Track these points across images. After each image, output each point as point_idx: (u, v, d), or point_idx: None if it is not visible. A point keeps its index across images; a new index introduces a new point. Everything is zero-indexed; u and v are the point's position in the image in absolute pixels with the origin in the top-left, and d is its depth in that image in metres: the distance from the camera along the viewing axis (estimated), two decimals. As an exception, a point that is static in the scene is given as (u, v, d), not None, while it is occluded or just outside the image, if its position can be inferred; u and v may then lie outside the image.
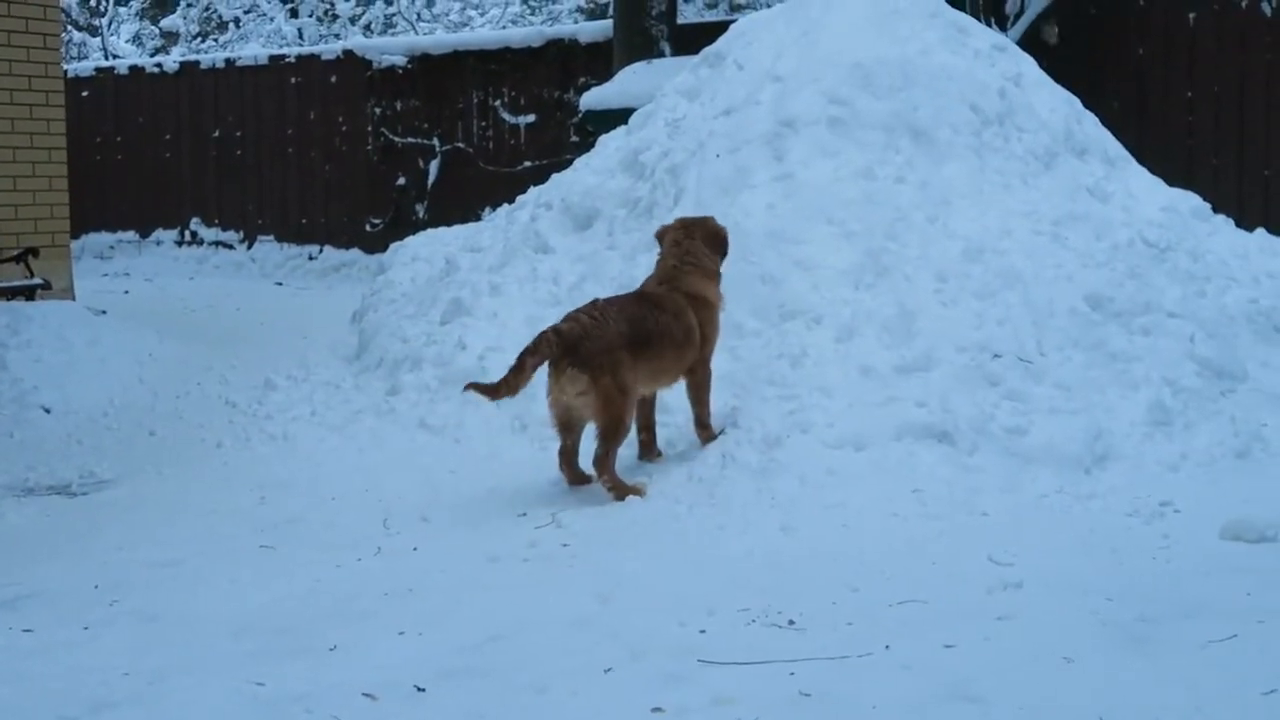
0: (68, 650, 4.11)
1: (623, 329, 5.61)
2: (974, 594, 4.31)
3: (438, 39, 16.33)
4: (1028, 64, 8.03)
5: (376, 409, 7.04)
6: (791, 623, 4.10)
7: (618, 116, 9.28)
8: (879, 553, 4.78)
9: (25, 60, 9.85)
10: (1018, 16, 11.59)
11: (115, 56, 24.47)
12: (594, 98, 11.48)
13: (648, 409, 6.00)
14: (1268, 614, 4.06)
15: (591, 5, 23.18)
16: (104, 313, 9.56)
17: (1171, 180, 8.03)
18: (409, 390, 7.08)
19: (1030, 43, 10.80)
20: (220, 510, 5.78)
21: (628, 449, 5.83)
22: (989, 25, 9.88)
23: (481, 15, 26.00)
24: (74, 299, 9.98)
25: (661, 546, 4.95)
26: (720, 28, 9.30)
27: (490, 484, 5.92)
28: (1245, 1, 11.09)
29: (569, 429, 5.70)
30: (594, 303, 5.84)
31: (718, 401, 6.03)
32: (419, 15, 25.44)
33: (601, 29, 14.00)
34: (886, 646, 3.86)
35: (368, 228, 15.40)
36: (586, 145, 9.38)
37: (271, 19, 25.16)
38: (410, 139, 15.22)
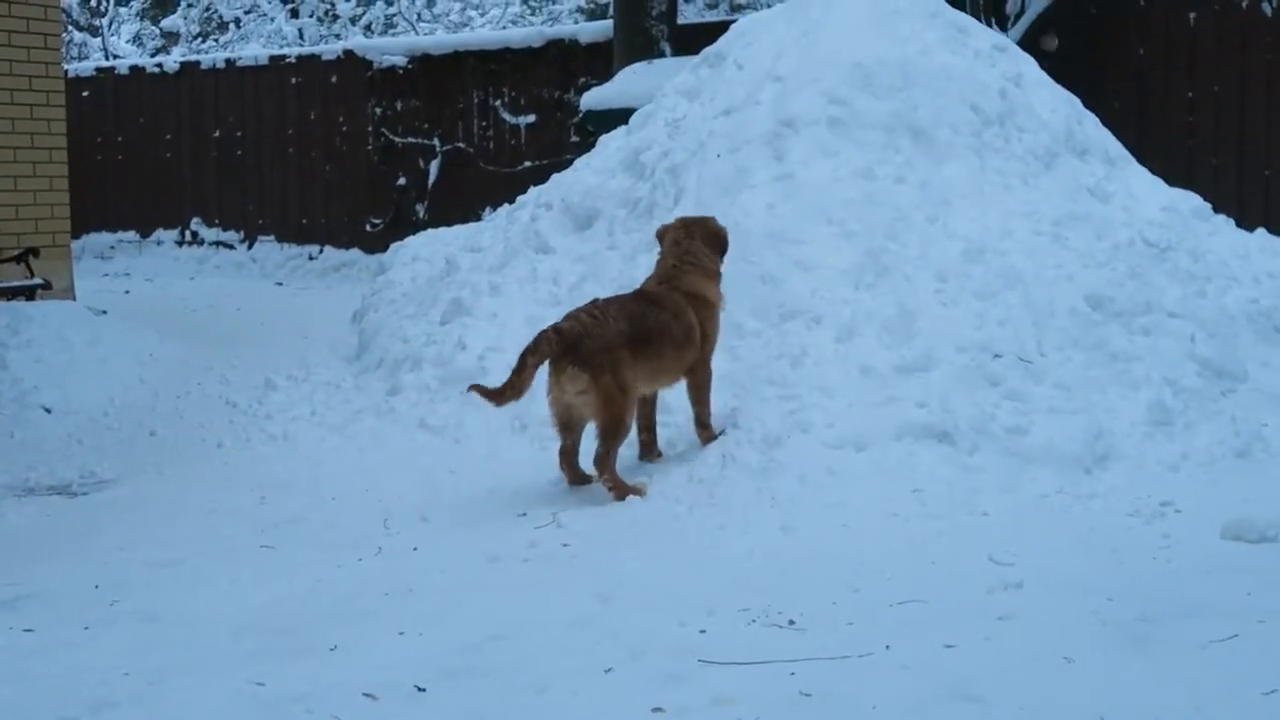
0: (68, 650, 4.11)
1: (623, 328, 5.61)
2: (974, 594, 4.31)
3: (438, 39, 16.35)
4: (1028, 64, 8.03)
5: (377, 409, 7.04)
6: (792, 623, 4.10)
7: (618, 116, 9.28)
8: (879, 553, 4.78)
9: (26, 60, 9.85)
10: (1018, 17, 11.59)
11: (116, 56, 24.48)
12: (594, 98, 11.49)
13: (648, 409, 6.00)
14: (1268, 614, 4.06)
15: (592, 5, 23.19)
16: (104, 313, 9.56)
17: (1172, 180, 8.04)
18: (409, 390, 7.08)
19: (1030, 44, 10.80)
20: (221, 510, 5.78)
21: (628, 449, 5.83)
22: (989, 25, 9.87)
23: (482, 15, 26.00)
24: (74, 299, 9.98)
25: (662, 546, 4.95)
26: (720, 28, 9.31)
27: (490, 484, 5.92)
28: (1246, 2, 11.09)
29: (569, 428, 5.70)
30: (594, 302, 5.84)
31: (718, 401, 6.03)
32: (419, 15, 25.45)
33: (602, 29, 14.00)
34: (887, 646, 3.86)
35: (368, 228, 15.41)
36: (587, 145, 9.38)
37: (272, 19, 25.16)
38: (411, 139, 15.22)
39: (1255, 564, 4.59)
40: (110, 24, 26.56)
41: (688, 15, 16.20)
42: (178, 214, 16.85)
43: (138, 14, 27.50)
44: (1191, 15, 11.32)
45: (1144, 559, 4.66)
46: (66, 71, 13.97)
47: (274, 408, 7.32)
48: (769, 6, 9.80)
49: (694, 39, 10.76)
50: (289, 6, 24.98)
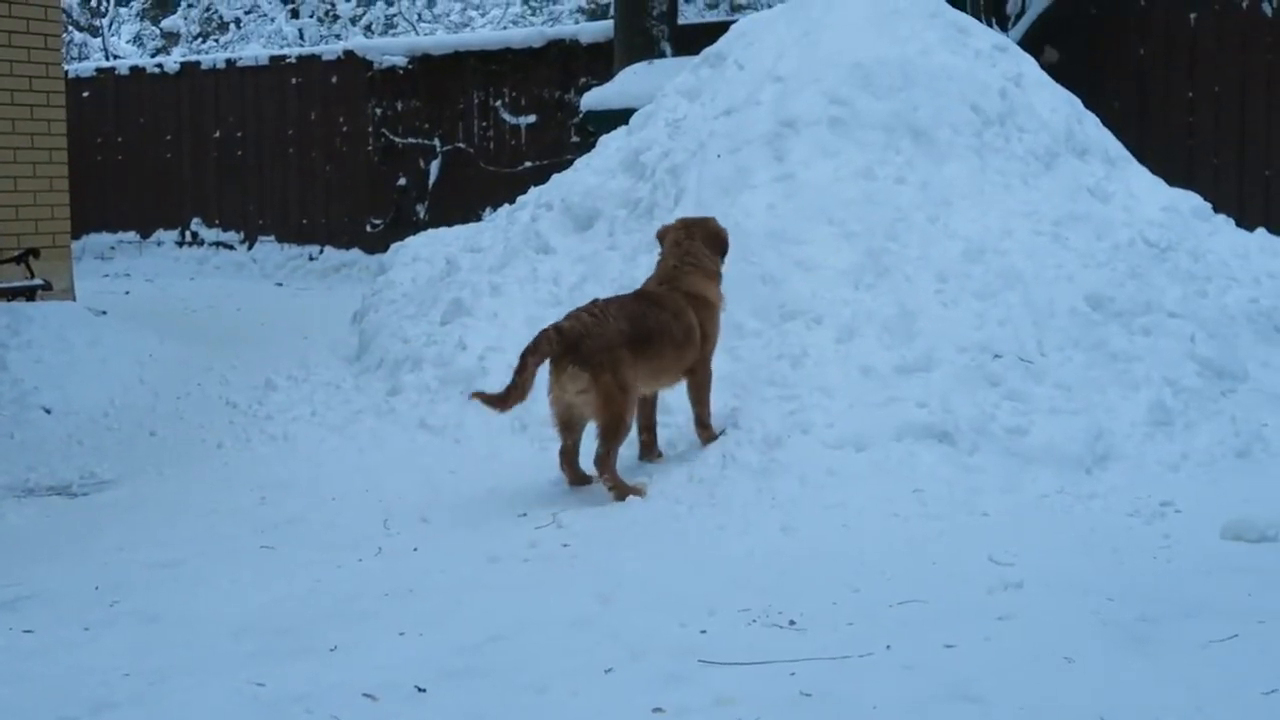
0: (68, 651, 4.11)
1: (623, 327, 5.61)
2: (974, 594, 4.31)
3: (438, 39, 16.35)
4: (1028, 64, 8.03)
5: (377, 409, 7.04)
6: (792, 623, 4.10)
7: (618, 117, 9.28)
8: (879, 553, 4.77)
9: (26, 61, 9.85)
10: (1018, 17, 11.59)
11: (116, 57, 24.49)
12: (595, 98, 11.49)
13: (649, 409, 6.00)
14: (1268, 614, 4.06)
15: (592, 5, 23.19)
16: (105, 313, 9.56)
17: (1172, 180, 8.04)
18: (409, 390, 7.08)
19: (1030, 43, 10.80)
20: (221, 510, 5.78)
21: (628, 449, 5.83)
22: (989, 25, 9.87)
23: (482, 16, 26.01)
24: (75, 300, 9.98)
25: (662, 547, 4.95)
26: (721, 28, 9.31)
27: (490, 484, 5.92)
28: (1246, 2, 11.09)
29: (570, 428, 5.70)
30: (594, 302, 5.84)
31: (718, 402, 6.03)
32: (420, 16, 25.46)
33: (602, 29, 14.01)
34: (887, 646, 3.86)
35: (368, 228, 15.41)
36: (587, 145, 9.38)
37: (272, 19, 25.17)
38: (411, 139, 15.23)
39: (1255, 564, 4.59)
40: (110, 24, 26.57)
41: (688, 15, 16.21)
42: (178, 214, 16.86)
43: (138, 14, 27.51)
44: (1191, 15, 11.33)
45: (1144, 559, 4.66)
46: (67, 72, 13.98)
47: (274, 408, 7.32)
48: (769, 6, 9.80)
49: (694, 39, 10.76)
50: (289, 7, 24.99)
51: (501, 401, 5.54)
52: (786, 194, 7.02)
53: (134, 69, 17.44)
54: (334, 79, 15.70)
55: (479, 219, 11.03)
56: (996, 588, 4.34)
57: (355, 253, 15.40)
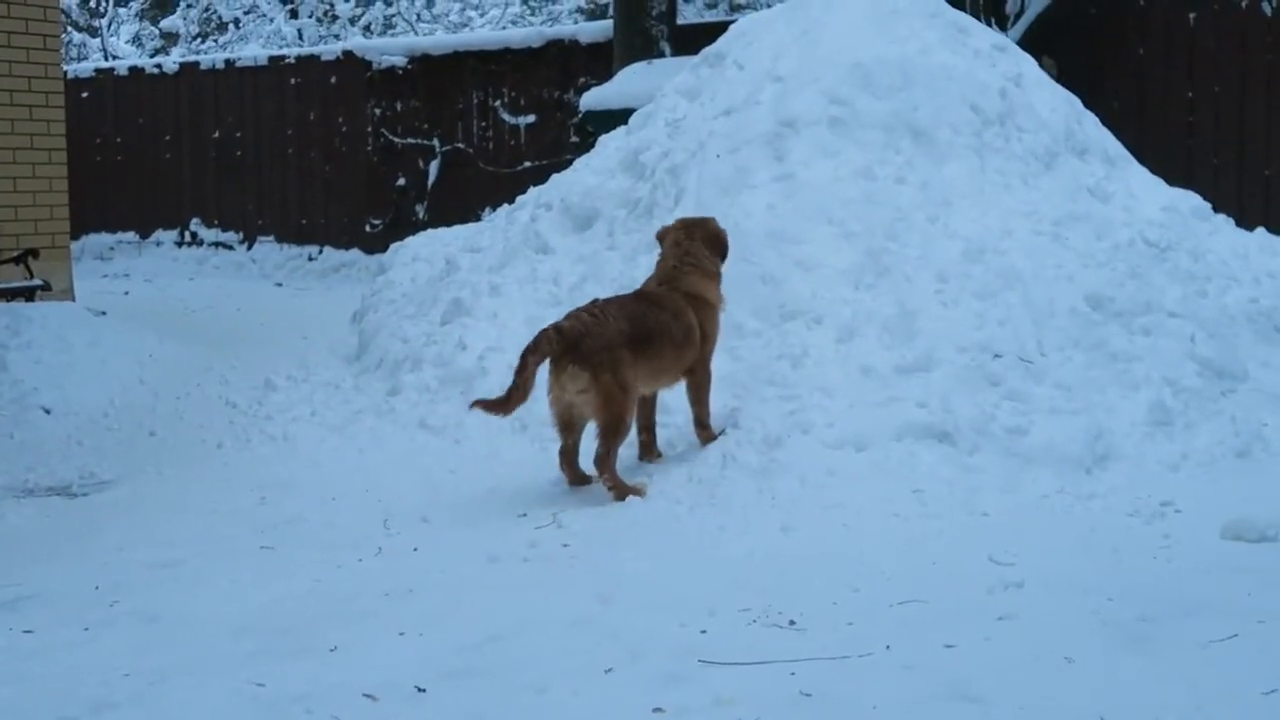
0: (68, 651, 4.11)
1: (623, 327, 5.61)
2: (974, 594, 4.31)
3: (438, 40, 16.34)
4: (1028, 64, 8.03)
5: (377, 409, 7.04)
6: (792, 623, 4.10)
7: (618, 117, 9.28)
8: (879, 553, 4.77)
9: (25, 61, 9.85)
10: (1018, 17, 11.59)
11: (115, 57, 24.47)
12: (594, 98, 11.48)
13: (648, 409, 6.00)
14: (1268, 614, 4.06)
15: (591, 5, 23.19)
16: (104, 314, 9.55)
17: (1172, 180, 8.04)
18: (409, 390, 7.08)
19: (1030, 43, 10.79)
20: (220, 511, 5.78)
21: (628, 449, 5.83)
22: (989, 25, 9.87)
23: (481, 16, 26.00)
24: (74, 300, 9.98)
25: (662, 547, 4.95)
26: (720, 28, 9.30)
27: (490, 484, 5.92)
28: (1245, 1, 11.09)
29: (569, 428, 5.70)
30: (594, 302, 5.84)
31: (718, 402, 6.03)
32: (419, 16, 25.44)
33: (601, 29, 14.00)
34: (887, 646, 3.86)
35: (368, 228, 15.41)
36: (586, 145, 9.38)
37: (271, 20, 25.16)
38: (410, 139, 15.22)
39: (1255, 564, 4.59)
40: (109, 25, 26.56)
41: (688, 15, 16.22)
42: (177, 215, 16.85)
43: (137, 15, 27.50)
44: (1191, 15, 11.32)
45: (1144, 559, 4.66)
46: (66, 72, 13.98)
47: (274, 408, 7.32)
48: (769, 6, 9.79)
49: (694, 39, 10.76)
50: (288, 7, 24.98)
51: (503, 405, 5.54)
52: (786, 194, 7.02)
53: (133, 69, 17.43)
54: (333, 79, 15.70)
55: (478, 219, 11.03)
56: (996, 587, 4.34)
57: (355, 253, 15.39)
